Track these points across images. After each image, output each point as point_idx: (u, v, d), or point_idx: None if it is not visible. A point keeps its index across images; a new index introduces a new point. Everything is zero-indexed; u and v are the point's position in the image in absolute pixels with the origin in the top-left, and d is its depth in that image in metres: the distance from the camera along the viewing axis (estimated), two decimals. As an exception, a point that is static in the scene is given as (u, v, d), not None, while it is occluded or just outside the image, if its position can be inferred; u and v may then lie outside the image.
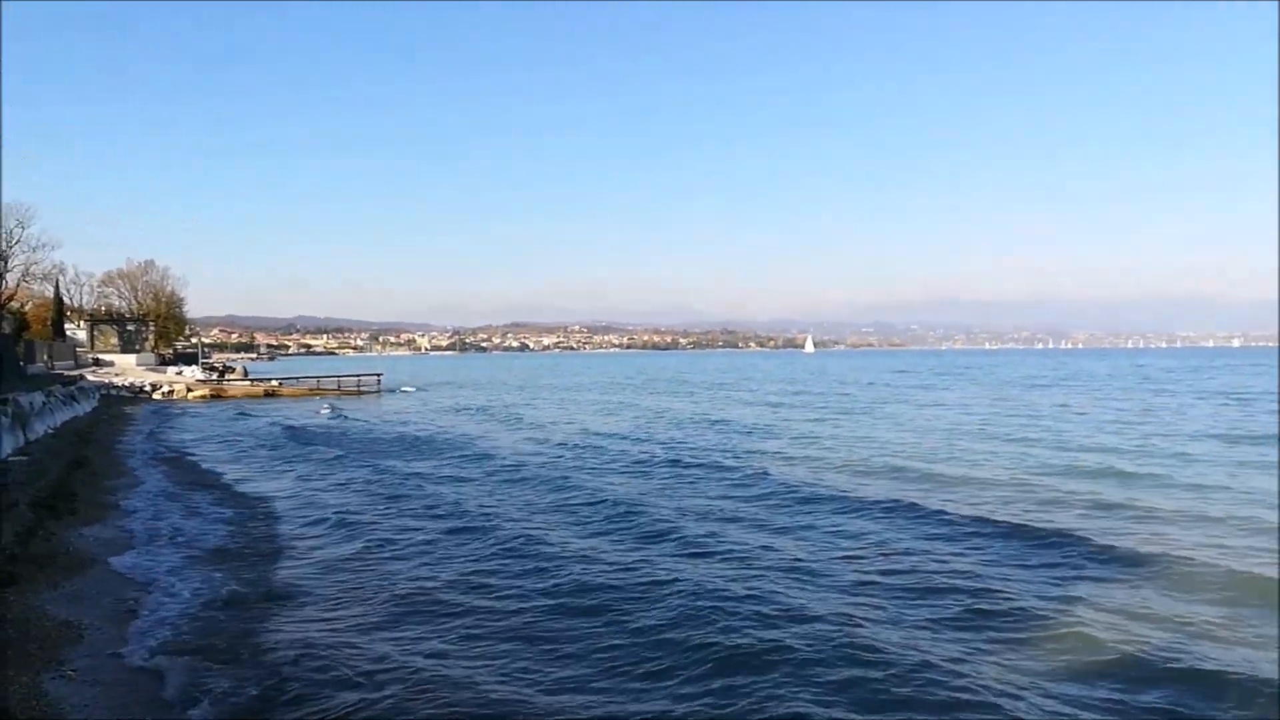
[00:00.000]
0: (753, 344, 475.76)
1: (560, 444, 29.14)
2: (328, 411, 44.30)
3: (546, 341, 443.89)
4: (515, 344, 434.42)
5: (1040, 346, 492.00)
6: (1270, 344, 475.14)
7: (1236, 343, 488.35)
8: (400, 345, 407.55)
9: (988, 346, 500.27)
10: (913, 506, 16.57)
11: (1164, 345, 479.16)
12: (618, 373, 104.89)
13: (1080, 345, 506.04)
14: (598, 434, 31.88)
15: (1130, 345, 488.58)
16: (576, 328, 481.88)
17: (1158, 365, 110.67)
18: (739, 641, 9.22)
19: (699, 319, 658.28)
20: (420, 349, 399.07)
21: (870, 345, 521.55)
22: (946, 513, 15.87)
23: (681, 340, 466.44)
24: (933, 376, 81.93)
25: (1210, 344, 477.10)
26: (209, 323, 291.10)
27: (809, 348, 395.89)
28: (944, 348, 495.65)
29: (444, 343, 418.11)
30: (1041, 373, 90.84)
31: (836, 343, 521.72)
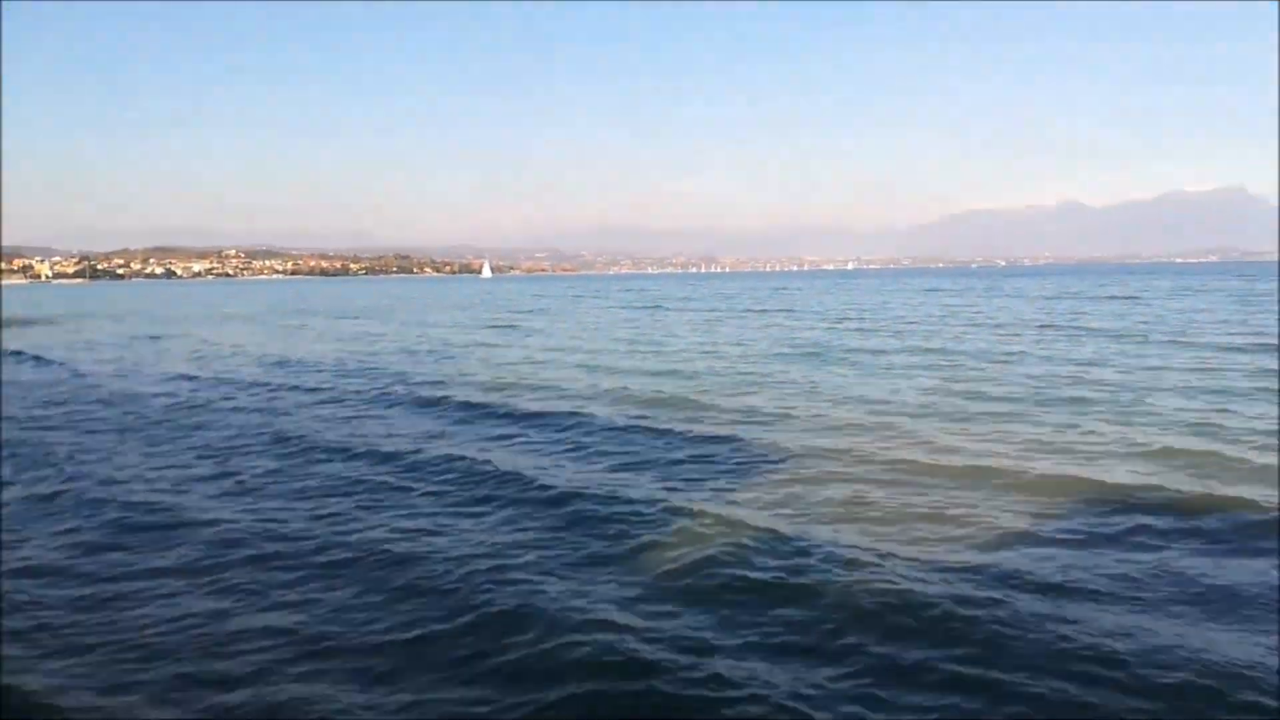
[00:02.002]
0: (428, 269, 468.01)
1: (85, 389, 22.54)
2: None
3: (198, 268, 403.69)
4: (160, 271, 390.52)
5: (694, 270, 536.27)
6: (876, 266, 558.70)
7: (851, 265, 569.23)
8: (15, 273, 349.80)
9: (650, 271, 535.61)
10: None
11: (795, 269, 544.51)
12: (266, 303, 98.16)
13: (727, 269, 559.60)
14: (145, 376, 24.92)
15: (767, 269, 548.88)
16: (233, 253, 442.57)
17: (789, 285, 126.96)
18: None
19: (371, 243, 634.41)
20: (40, 276, 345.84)
21: (544, 270, 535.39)
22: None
23: (353, 266, 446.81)
24: (592, 299, 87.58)
25: (830, 267, 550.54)
26: None
27: (486, 272, 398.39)
28: (611, 272, 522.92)
29: (70, 270, 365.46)
30: (683, 293, 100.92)
31: (513, 268, 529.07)
